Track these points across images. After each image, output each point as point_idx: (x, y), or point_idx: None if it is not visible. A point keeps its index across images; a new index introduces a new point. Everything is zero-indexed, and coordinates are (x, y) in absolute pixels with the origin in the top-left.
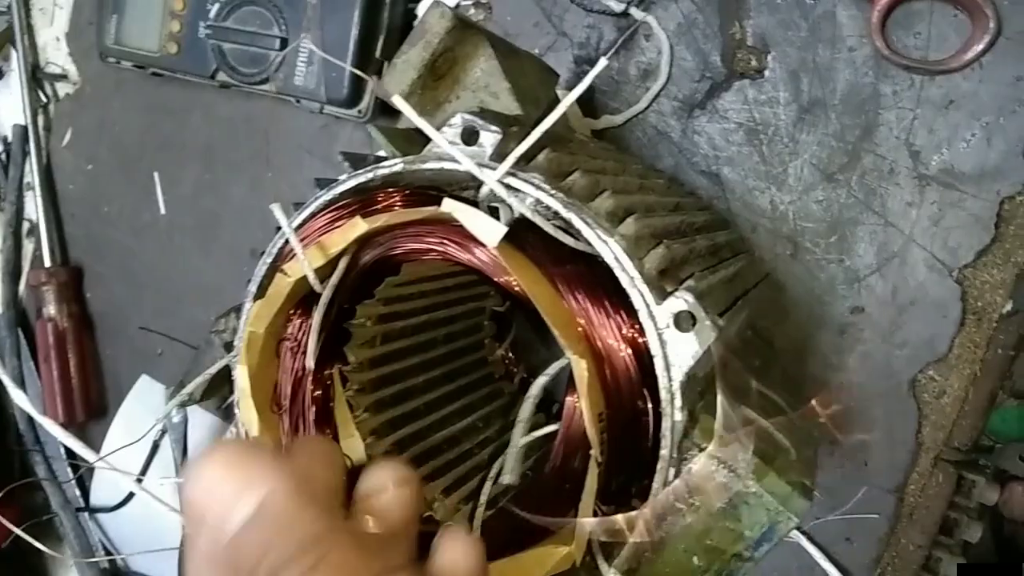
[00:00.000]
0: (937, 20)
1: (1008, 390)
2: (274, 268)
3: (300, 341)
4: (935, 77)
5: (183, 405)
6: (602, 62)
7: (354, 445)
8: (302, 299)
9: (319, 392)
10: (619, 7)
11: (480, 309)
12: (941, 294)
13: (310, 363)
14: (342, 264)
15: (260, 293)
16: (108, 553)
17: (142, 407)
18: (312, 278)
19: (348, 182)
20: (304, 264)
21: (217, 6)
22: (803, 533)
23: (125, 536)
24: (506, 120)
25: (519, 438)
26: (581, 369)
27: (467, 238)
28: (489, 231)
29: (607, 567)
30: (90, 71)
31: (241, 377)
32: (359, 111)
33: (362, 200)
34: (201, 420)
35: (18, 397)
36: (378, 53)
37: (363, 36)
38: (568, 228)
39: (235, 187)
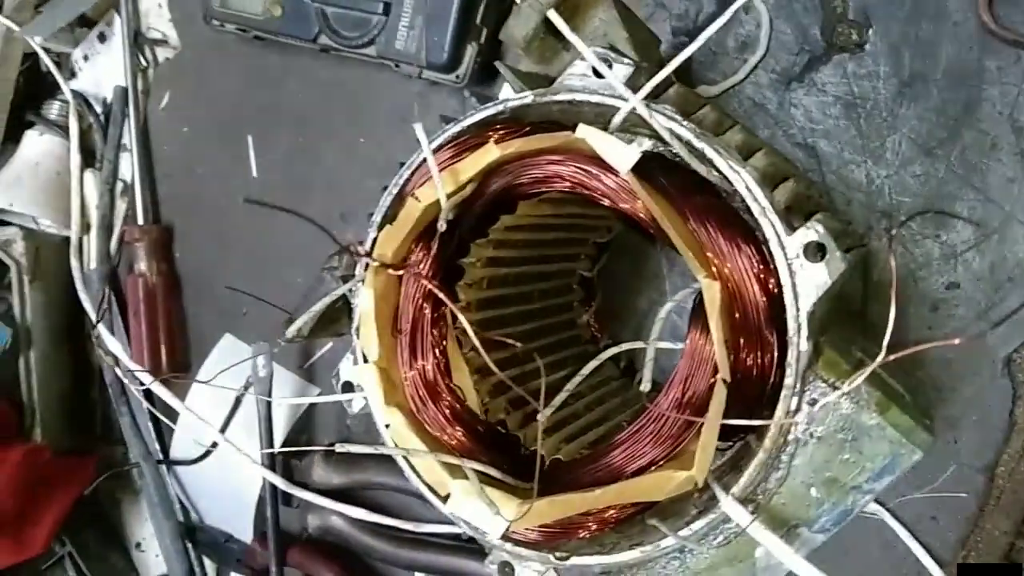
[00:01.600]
0: None
1: None
2: (399, 199)
3: (424, 267)
4: None
5: (291, 341)
6: (719, 21)
7: (463, 380)
8: (423, 233)
9: (437, 320)
10: None
11: (571, 271)
12: None
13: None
14: (468, 189)
15: (384, 224)
16: (184, 507)
17: (226, 364)
18: (445, 200)
19: (479, 114)
20: (439, 186)
21: None
22: (887, 510)
23: (202, 490)
24: (635, 58)
25: (655, 341)
26: (713, 291)
27: (597, 166)
28: (622, 155)
29: (724, 494)
30: (190, 36)
31: (366, 300)
32: (457, 76)
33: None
34: (284, 378)
35: (111, 344)
36: (478, 20)
37: (465, 2)
38: (701, 158)
39: (327, 152)
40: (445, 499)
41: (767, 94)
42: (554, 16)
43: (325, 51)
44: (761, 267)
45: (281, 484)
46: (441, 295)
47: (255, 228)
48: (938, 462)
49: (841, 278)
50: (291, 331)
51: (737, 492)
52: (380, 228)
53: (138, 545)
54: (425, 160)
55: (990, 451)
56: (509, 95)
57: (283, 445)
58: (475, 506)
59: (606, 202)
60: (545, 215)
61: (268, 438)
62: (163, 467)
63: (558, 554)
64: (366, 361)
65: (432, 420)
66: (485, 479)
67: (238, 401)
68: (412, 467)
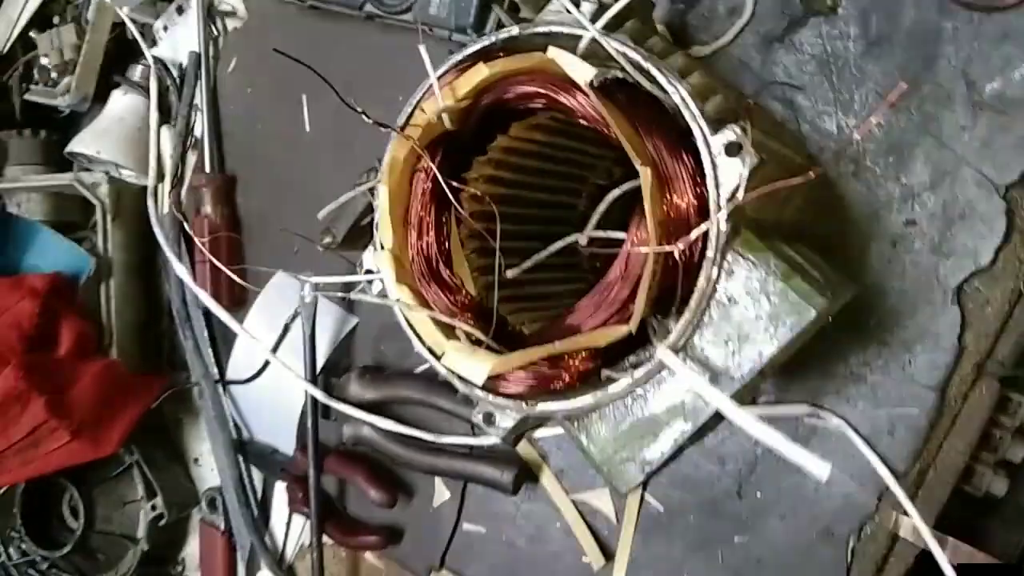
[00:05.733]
0: None
1: None
2: (416, 110)
3: (429, 170)
4: (992, 14)
5: (328, 247)
6: None
7: (464, 274)
8: (431, 144)
9: (441, 219)
10: None
11: (571, 205)
12: (988, 210)
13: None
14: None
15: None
16: (236, 424)
17: (278, 297)
18: (442, 105)
19: (474, 45)
20: (438, 97)
21: None
22: (847, 423)
23: (252, 408)
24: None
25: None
26: (647, 175)
27: (567, 85)
28: (583, 71)
29: (657, 344)
30: (256, 7)
31: (383, 196)
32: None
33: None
34: (327, 307)
35: (180, 271)
36: None
37: None
38: (646, 76)
39: (371, 110)
40: (440, 358)
41: (752, 54)
42: None
43: (370, 18)
44: (693, 165)
45: (321, 397)
46: (441, 180)
47: (307, 178)
48: (894, 383)
49: (759, 173)
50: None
51: (667, 343)
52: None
53: (196, 460)
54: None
55: (941, 372)
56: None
57: (324, 366)
58: (463, 360)
59: (574, 114)
60: (539, 142)
61: (312, 358)
62: (220, 386)
63: (529, 402)
64: (381, 250)
65: (433, 296)
66: (474, 343)
67: (287, 329)
68: (416, 332)
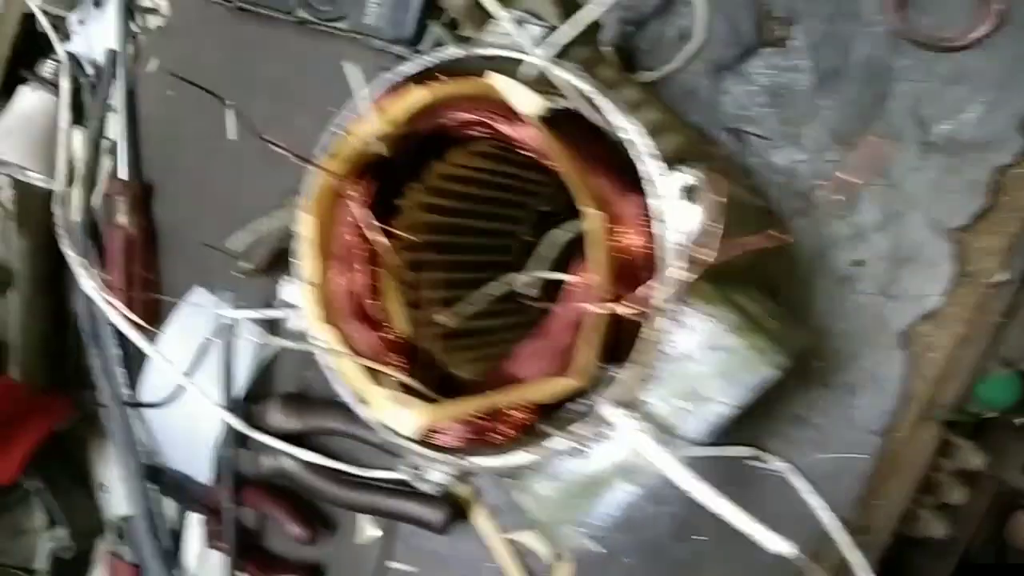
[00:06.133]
0: (949, 1)
1: (998, 357)
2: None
3: (361, 198)
4: (944, 54)
5: (248, 273)
6: None
7: (393, 308)
8: (362, 170)
9: (370, 250)
10: None
11: (510, 233)
12: (936, 253)
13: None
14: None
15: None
16: (148, 450)
17: (195, 316)
18: (374, 130)
19: (410, 66)
20: (371, 127)
21: None
22: (793, 466)
23: (166, 434)
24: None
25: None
26: (595, 221)
27: (510, 114)
28: (529, 101)
29: (601, 398)
30: (179, 5)
31: (307, 227)
32: (419, 50)
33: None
34: (248, 329)
35: (89, 285)
36: None
37: None
38: (596, 109)
39: (300, 119)
40: (365, 405)
41: (701, 81)
42: None
43: (301, 23)
44: (643, 205)
45: (239, 426)
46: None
47: (230, 188)
48: (838, 427)
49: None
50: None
51: (611, 396)
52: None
53: (102, 486)
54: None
55: (885, 417)
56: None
57: (245, 393)
58: (393, 410)
59: (515, 145)
60: (479, 169)
61: (229, 384)
62: (129, 410)
63: (462, 456)
64: (304, 282)
65: (359, 336)
66: (404, 390)
67: (204, 350)
68: (341, 378)
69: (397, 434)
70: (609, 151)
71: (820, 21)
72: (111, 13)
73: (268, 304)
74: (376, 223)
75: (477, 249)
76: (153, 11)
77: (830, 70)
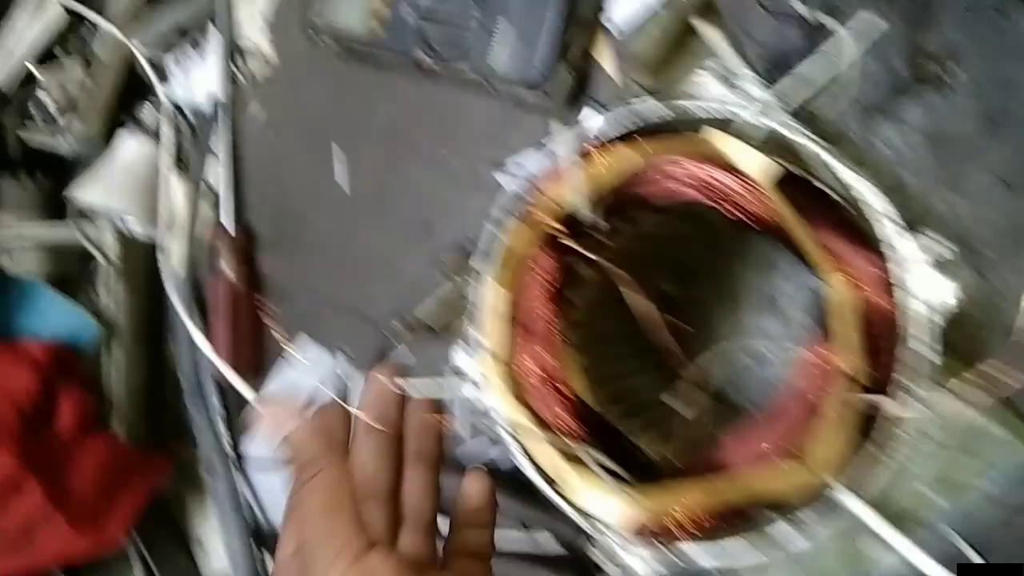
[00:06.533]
0: None
1: None
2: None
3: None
4: None
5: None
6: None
7: (580, 384)
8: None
9: (554, 319)
10: (807, 12)
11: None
12: None
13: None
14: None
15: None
16: (252, 507)
17: (302, 368)
18: (580, 201)
19: (612, 122)
20: (575, 190)
21: None
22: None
23: (271, 491)
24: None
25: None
26: (844, 292)
27: (732, 175)
28: (760, 164)
29: (836, 483)
30: (284, 48)
31: (494, 295)
32: (546, 93)
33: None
34: (358, 383)
35: (196, 336)
36: (569, 38)
37: (559, 22)
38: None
39: (413, 165)
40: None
41: (851, 124)
42: (699, 23)
43: (418, 66)
44: (881, 270)
45: None
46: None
47: (338, 236)
48: None
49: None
50: (421, 314)
51: (847, 482)
52: (505, 227)
53: (200, 543)
54: (552, 164)
55: None
56: (617, 112)
57: None
58: (599, 497)
59: (733, 207)
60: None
61: None
62: (234, 465)
63: (668, 543)
64: (485, 355)
65: (553, 416)
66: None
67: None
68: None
69: (596, 520)
70: (828, 208)
71: (984, 59)
72: (210, 56)
73: (382, 355)
74: (566, 293)
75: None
76: (256, 53)
77: (998, 112)
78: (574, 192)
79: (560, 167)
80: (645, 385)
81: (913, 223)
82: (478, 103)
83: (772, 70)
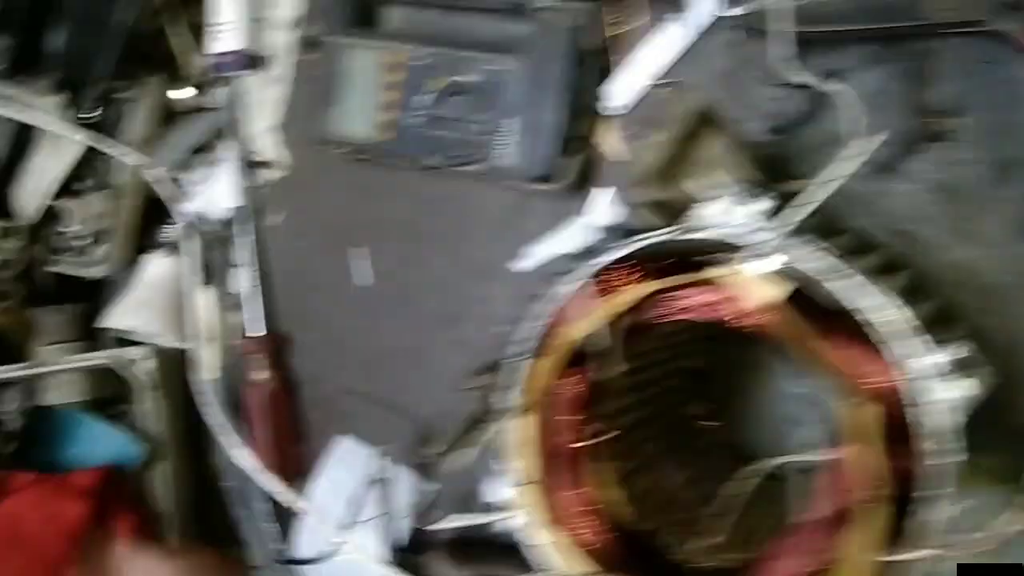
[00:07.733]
0: None
1: None
2: (551, 329)
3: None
4: None
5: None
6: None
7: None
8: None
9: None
10: (813, 81)
11: (676, 370)
12: None
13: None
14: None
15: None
16: None
17: (343, 466)
18: (603, 334)
19: (620, 250)
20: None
21: (429, 96)
22: None
23: None
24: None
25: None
26: (859, 403)
27: (738, 297)
28: (769, 288)
29: None
30: (300, 157)
31: (527, 427)
32: (556, 186)
33: (631, 267)
34: (400, 475)
35: (237, 447)
36: (575, 131)
37: (563, 119)
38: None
39: (434, 259)
40: None
41: (860, 184)
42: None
43: (430, 168)
44: (900, 377)
45: None
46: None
47: (366, 333)
48: None
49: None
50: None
51: None
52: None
53: None
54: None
55: None
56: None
57: (407, 540)
58: None
59: (744, 326)
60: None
61: (390, 537)
62: (286, 568)
63: None
64: (521, 482)
65: (586, 536)
66: None
67: (358, 502)
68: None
69: None
70: (835, 317)
71: (990, 110)
72: (227, 171)
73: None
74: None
75: (652, 392)
76: (273, 164)
77: (1009, 160)
78: (589, 323)
79: (575, 301)
80: (680, 483)
81: (926, 289)
82: (491, 194)
83: (779, 136)
